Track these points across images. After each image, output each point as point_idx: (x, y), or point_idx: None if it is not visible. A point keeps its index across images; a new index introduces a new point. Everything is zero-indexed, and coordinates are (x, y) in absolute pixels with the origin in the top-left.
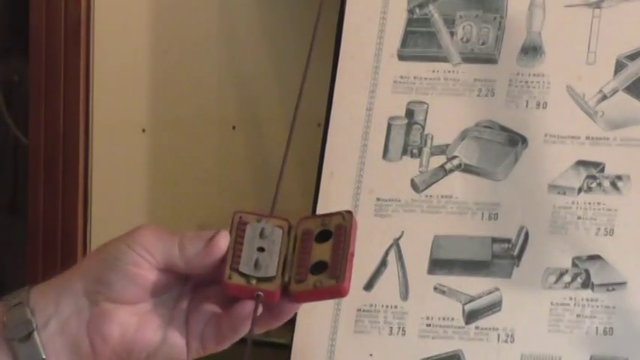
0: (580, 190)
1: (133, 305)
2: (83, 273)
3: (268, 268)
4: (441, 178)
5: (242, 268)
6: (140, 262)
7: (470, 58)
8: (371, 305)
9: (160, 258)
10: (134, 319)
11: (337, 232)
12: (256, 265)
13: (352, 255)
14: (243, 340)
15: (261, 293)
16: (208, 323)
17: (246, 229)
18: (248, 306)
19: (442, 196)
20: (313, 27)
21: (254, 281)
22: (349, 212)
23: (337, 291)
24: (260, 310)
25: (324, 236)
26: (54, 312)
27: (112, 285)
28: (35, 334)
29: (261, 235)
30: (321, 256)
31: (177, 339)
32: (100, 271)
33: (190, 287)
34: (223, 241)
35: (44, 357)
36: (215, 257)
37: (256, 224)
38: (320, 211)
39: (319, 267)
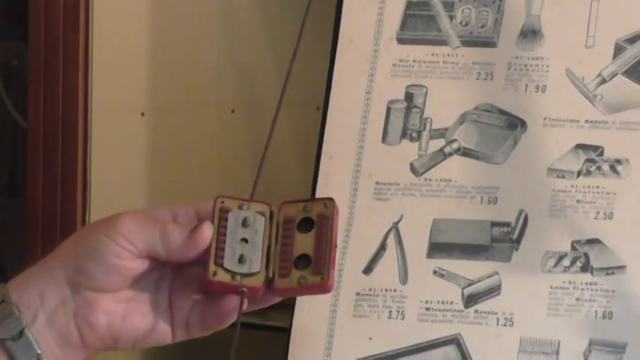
0: (579, 173)
1: (116, 293)
2: (63, 262)
3: (252, 262)
4: (440, 162)
5: (226, 264)
6: (121, 252)
7: (469, 42)
8: (370, 289)
9: (142, 247)
10: (120, 307)
11: (320, 221)
12: (240, 259)
13: (335, 247)
14: (233, 325)
15: (245, 290)
16: (192, 311)
17: (228, 217)
18: (233, 301)
19: (441, 180)
20: (305, 9)
21: (239, 277)
22: (331, 200)
23: (322, 288)
24: (245, 304)
25: (306, 225)
26: (40, 305)
27: (93, 276)
28: (26, 330)
29: (244, 224)
30: (304, 248)
31: (162, 324)
32: (80, 262)
33: (170, 268)
34: (208, 232)
35: (39, 352)
36: (199, 249)
37: (238, 212)
38: (319, 194)
39: (303, 260)
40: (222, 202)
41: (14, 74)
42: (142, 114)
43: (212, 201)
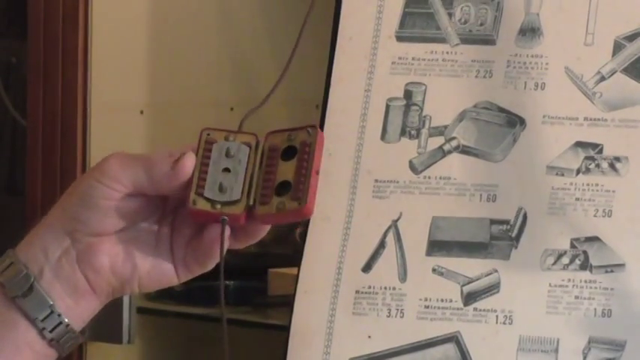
0: (578, 171)
1: (115, 235)
2: (60, 214)
3: (233, 190)
4: (439, 160)
5: (207, 193)
6: (110, 193)
7: (468, 39)
8: (369, 287)
9: (129, 184)
10: (120, 247)
11: (301, 149)
12: (221, 188)
13: (317, 173)
14: (243, 324)
15: (226, 218)
16: (188, 246)
17: (212, 148)
18: (216, 230)
19: (440, 178)
20: (308, 9)
21: (219, 206)
22: (314, 127)
23: (300, 213)
24: (228, 232)
25: (289, 153)
26: (44, 259)
27: (87, 221)
28: (35, 284)
29: (227, 154)
30: (285, 175)
31: (165, 263)
32: (74, 209)
33: (170, 209)
34: (189, 162)
35: (51, 302)
36: (181, 178)
37: (223, 143)
38: (319, 191)
39: (283, 187)
40: (209, 134)
41: (13, 72)
42: (141, 112)
43: (186, 145)
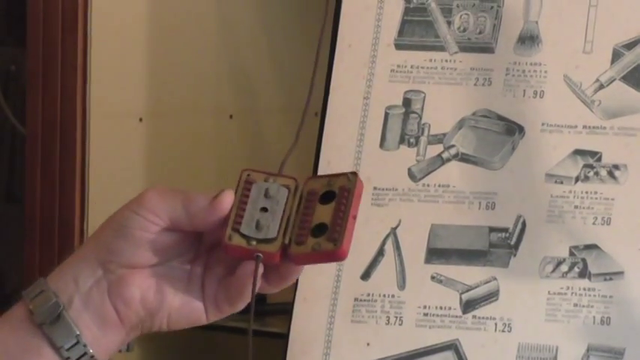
0: (577, 179)
1: (148, 269)
2: (94, 245)
3: (269, 229)
4: (438, 168)
5: (243, 229)
6: (147, 225)
7: (467, 47)
8: (368, 295)
9: (166, 217)
10: (152, 282)
11: (340, 193)
12: (257, 226)
13: (354, 218)
14: (243, 331)
15: (260, 254)
16: (220, 285)
17: (251, 188)
18: (249, 266)
19: (439, 186)
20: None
21: (254, 242)
22: (354, 173)
23: (335, 254)
24: (261, 270)
25: (328, 197)
26: (75, 289)
27: (122, 252)
28: (64, 312)
29: (266, 194)
30: (322, 218)
31: (195, 302)
32: (110, 240)
33: (205, 248)
34: (227, 199)
35: (78, 333)
36: (219, 215)
37: (262, 184)
38: None
39: (320, 229)
40: (249, 175)
41: (12, 80)
42: (140, 119)
43: (225, 188)
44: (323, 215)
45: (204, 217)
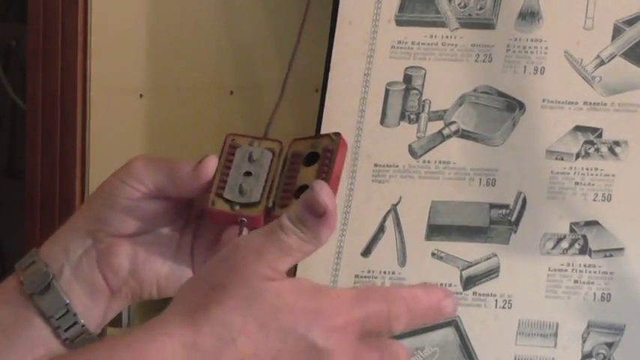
0: (578, 155)
1: (136, 237)
2: (83, 215)
3: (252, 193)
4: (438, 144)
5: (226, 194)
6: (133, 193)
7: (468, 24)
8: (369, 271)
9: (151, 185)
10: (140, 250)
11: (324, 154)
12: (241, 190)
13: (337, 178)
14: None
15: (244, 219)
16: (209, 252)
17: (235, 152)
18: (234, 232)
19: (440, 162)
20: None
21: (237, 207)
22: (337, 134)
23: None
24: (246, 233)
25: (312, 159)
26: (65, 259)
27: (110, 221)
28: (54, 282)
29: (250, 158)
30: (305, 179)
31: (184, 269)
32: (98, 209)
33: (194, 216)
34: (211, 163)
35: (68, 302)
36: (202, 180)
37: (246, 147)
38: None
39: (303, 191)
40: (233, 140)
41: (13, 55)
42: (141, 95)
43: (211, 154)
44: (306, 177)
45: (189, 183)
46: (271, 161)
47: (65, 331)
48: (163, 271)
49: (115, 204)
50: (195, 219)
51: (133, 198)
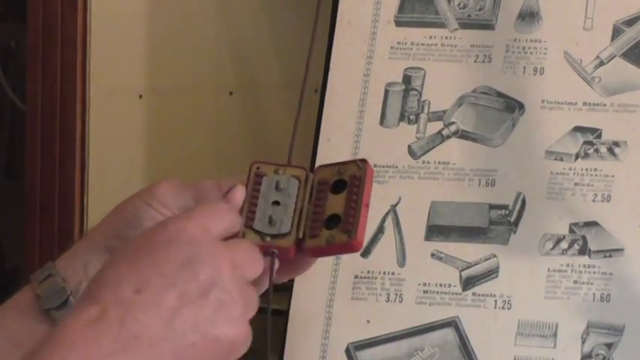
0: (577, 156)
1: None
2: (102, 232)
3: (282, 223)
4: (438, 145)
5: (256, 226)
6: (157, 217)
7: (467, 24)
8: (368, 272)
9: (176, 210)
10: None
11: (351, 182)
12: (270, 221)
13: (367, 206)
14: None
15: (275, 251)
16: None
17: (262, 181)
18: (265, 263)
19: (439, 163)
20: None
21: (268, 238)
22: (364, 161)
23: (350, 246)
24: (277, 265)
25: (339, 187)
26: (83, 274)
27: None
28: (71, 298)
29: (277, 187)
30: (335, 208)
31: None
32: (120, 228)
33: None
34: (239, 195)
35: None
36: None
37: (273, 176)
38: None
39: (333, 220)
40: (258, 168)
41: (12, 56)
42: (140, 96)
43: (235, 177)
44: (335, 206)
45: None
46: (298, 189)
47: None
48: None
49: (138, 225)
50: None
51: (156, 221)
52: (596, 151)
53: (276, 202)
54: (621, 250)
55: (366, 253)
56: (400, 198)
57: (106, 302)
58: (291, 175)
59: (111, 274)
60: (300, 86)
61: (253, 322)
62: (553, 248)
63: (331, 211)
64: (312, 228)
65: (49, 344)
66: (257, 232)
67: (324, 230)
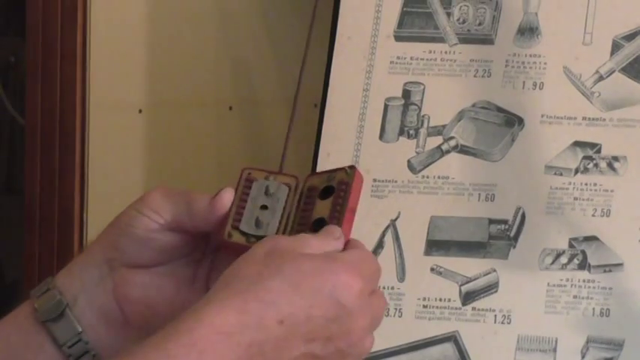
0: (577, 170)
1: (152, 269)
2: (100, 244)
3: (269, 226)
4: (437, 159)
5: (243, 227)
6: (150, 224)
7: (466, 39)
8: None
9: (169, 217)
10: (155, 281)
11: (338, 187)
12: (257, 223)
13: (352, 210)
14: None
15: None
16: None
17: (252, 186)
18: None
19: (439, 177)
20: (312, 9)
21: (253, 239)
22: (352, 167)
23: None
24: None
25: (327, 192)
26: (80, 287)
27: (126, 250)
28: (67, 310)
29: (266, 192)
30: (321, 212)
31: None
32: (115, 239)
33: (211, 249)
34: (227, 196)
35: (80, 330)
36: (218, 213)
37: (263, 181)
38: None
39: (319, 224)
40: (249, 173)
41: (12, 71)
42: (140, 111)
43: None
44: (322, 210)
45: (205, 216)
46: (287, 195)
47: (76, 359)
48: (178, 302)
49: (131, 234)
50: (212, 251)
51: (149, 229)
52: (596, 165)
53: (265, 207)
54: (621, 264)
55: None
56: (400, 212)
57: (248, 319)
58: (281, 182)
59: (265, 290)
60: (300, 102)
61: None
62: (553, 263)
63: (317, 215)
64: (298, 231)
65: (181, 345)
66: (243, 233)
67: (309, 233)
